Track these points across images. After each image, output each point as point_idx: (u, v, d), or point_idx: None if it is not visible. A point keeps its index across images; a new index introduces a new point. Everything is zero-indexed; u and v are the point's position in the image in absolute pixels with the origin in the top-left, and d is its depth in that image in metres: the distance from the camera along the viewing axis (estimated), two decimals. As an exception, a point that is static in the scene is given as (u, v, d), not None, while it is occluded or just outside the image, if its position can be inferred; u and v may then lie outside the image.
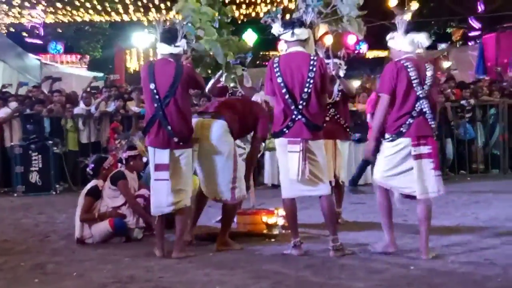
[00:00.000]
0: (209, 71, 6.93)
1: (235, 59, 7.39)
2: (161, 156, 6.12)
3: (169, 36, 6.17)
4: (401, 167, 5.85)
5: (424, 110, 5.78)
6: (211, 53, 6.72)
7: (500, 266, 5.46)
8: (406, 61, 5.80)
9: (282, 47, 6.36)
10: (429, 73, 5.86)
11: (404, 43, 5.87)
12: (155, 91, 6.07)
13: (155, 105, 6.08)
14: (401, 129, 5.77)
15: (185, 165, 6.18)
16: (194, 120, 6.37)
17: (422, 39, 5.88)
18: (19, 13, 21.43)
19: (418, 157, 5.77)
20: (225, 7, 7.04)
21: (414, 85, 5.75)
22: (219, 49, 6.60)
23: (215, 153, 6.33)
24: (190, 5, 6.69)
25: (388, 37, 5.98)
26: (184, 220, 6.26)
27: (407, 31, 5.86)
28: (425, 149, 5.79)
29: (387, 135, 5.90)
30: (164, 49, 6.19)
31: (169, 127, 6.05)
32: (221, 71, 6.94)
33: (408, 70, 5.75)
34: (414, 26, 5.92)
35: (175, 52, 6.18)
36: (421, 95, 5.77)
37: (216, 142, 6.32)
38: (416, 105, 5.77)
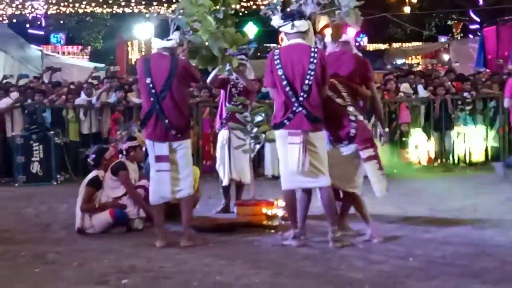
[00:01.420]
0: (206, 63, 6.93)
1: (239, 51, 7.39)
2: (161, 148, 6.19)
3: (161, 30, 6.24)
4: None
5: None
6: (207, 45, 6.72)
7: (499, 258, 5.49)
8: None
9: (285, 41, 6.33)
10: None
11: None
12: (151, 85, 6.13)
13: (152, 99, 6.15)
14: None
15: (183, 156, 6.25)
16: None
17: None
18: (21, 4, 21.42)
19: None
20: None
21: None
22: (214, 41, 6.61)
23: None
24: None
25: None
26: (189, 208, 6.33)
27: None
28: None
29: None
30: (158, 43, 6.27)
31: (166, 121, 6.12)
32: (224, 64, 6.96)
33: None
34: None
35: (168, 46, 6.24)
36: None
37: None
38: None
